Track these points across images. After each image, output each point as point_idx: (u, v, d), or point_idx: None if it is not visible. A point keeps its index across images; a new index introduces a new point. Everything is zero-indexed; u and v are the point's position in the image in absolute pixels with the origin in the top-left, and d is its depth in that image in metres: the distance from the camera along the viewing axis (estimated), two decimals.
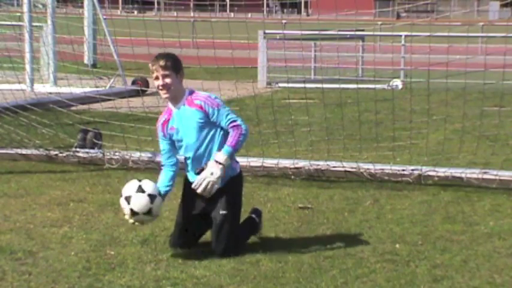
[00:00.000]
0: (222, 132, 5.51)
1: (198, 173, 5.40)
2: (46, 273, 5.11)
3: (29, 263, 5.31)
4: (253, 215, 5.93)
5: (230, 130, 5.46)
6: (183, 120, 5.49)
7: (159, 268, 5.22)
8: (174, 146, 5.59)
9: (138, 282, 4.97)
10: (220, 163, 5.36)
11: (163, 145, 5.61)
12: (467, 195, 7.31)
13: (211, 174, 5.34)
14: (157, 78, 5.45)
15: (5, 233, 5.97)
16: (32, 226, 6.16)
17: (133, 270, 5.18)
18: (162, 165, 5.64)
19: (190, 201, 5.61)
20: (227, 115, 5.48)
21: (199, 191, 5.39)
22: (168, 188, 5.56)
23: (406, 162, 8.28)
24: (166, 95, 5.48)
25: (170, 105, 5.58)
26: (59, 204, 6.83)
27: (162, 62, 5.42)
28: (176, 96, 5.50)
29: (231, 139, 5.43)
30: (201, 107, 5.45)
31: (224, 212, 5.51)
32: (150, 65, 5.48)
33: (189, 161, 5.56)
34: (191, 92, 5.56)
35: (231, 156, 5.44)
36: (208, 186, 5.36)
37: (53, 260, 5.37)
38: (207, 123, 5.47)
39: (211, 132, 5.49)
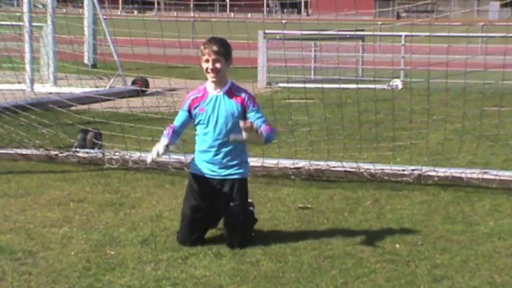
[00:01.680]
0: None
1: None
2: (46, 273, 5.11)
3: (29, 263, 5.31)
4: (251, 208, 6.07)
5: (264, 125, 5.58)
6: (218, 108, 5.61)
7: (159, 268, 5.22)
8: (187, 123, 5.74)
9: (138, 282, 4.98)
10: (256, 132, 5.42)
11: (182, 115, 5.71)
12: (467, 195, 7.31)
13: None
14: (207, 61, 5.56)
15: (5, 233, 5.97)
16: (32, 226, 6.16)
17: (133, 270, 5.18)
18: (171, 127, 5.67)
19: (197, 194, 5.72)
20: (262, 116, 5.67)
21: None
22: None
23: (406, 162, 8.29)
24: (214, 79, 5.60)
25: (208, 87, 5.68)
26: (59, 204, 6.83)
27: (215, 47, 5.54)
28: (221, 81, 5.63)
29: (266, 128, 5.57)
30: (242, 101, 5.62)
31: (236, 202, 5.67)
32: (202, 47, 5.59)
33: (207, 147, 5.65)
34: (233, 84, 5.70)
35: (264, 139, 5.55)
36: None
37: (53, 260, 5.37)
38: (241, 117, 5.59)
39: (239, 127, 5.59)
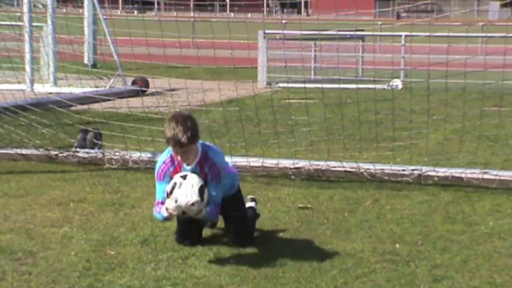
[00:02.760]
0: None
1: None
2: (46, 273, 5.11)
3: (29, 263, 5.31)
4: (252, 204, 6.16)
5: (212, 204, 5.35)
6: None
7: (159, 268, 5.22)
8: None
9: (138, 282, 4.98)
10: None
11: (163, 187, 5.41)
12: (467, 195, 7.31)
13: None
14: (176, 153, 5.29)
15: (5, 233, 5.97)
16: (32, 226, 6.16)
17: (133, 270, 5.18)
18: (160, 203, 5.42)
19: None
20: (217, 193, 5.37)
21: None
22: None
23: (406, 162, 8.28)
24: (186, 163, 5.36)
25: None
26: (59, 204, 6.83)
27: (184, 140, 5.15)
28: (193, 158, 5.38)
29: (211, 210, 5.35)
30: (206, 176, 5.36)
31: (235, 213, 5.67)
32: (167, 136, 5.21)
33: None
34: (203, 152, 5.39)
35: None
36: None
37: (53, 260, 5.37)
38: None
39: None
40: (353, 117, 10.38)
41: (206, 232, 5.97)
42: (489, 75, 10.36)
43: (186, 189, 5.19)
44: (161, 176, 5.46)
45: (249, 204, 6.19)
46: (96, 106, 11.36)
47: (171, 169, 5.43)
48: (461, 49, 15.44)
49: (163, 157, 5.49)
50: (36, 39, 15.39)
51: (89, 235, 5.93)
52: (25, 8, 14.38)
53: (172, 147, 5.29)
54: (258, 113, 9.70)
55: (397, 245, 5.76)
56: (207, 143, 5.61)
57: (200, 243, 5.67)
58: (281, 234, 6.06)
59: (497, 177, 7.56)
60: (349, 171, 7.94)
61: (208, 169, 5.36)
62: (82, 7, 19.39)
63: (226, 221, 5.78)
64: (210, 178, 5.36)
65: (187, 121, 5.22)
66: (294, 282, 5.01)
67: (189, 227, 5.67)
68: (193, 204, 5.10)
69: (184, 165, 5.41)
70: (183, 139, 5.16)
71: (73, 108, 11.40)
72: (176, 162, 5.42)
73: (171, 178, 5.36)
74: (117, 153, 8.52)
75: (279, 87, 16.30)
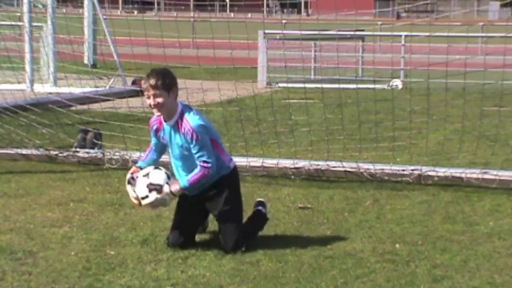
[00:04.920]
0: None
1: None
2: (46, 273, 5.11)
3: (29, 263, 5.31)
4: (260, 207, 6.08)
5: (198, 166, 5.43)
6: (172, 137, 5.54)
7: (159, 268, 5.22)
8: (161, 143, 5.68)
9: (138, 282, 4.98)
10: (173, 194, 5.34)
11: (153, 140, 5.72)
12: (467, 195, 7.31)
13: (164, 200, 5.21)
14: (148, 97, 5.42)
15: (5, 233, 5.97)
16: (32, 226, 6.17)
17: (133, 270, 5.18)
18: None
19: (187, 199, 5.68)
20: (201, 152, 5.42)
21: (144, 202, 5.40)
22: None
23: (406, 162, 8.28)
24: (159, 113, 5.48)
25: (162, 117, 5.56)
26: (59, 204, 6.83)
27: (152, 81, 5.36)
28: (169, 113, 5.49)
29: (193, 175, 5.41)
30: (184, 135, 5.46)
31: (226, 207, 5.61)
32: (142, 82, 5.49)
33: (177, 165, 5.65)
34: (182, 113, 5.49)
35: (185, 190, 5.36)
36: (153, 205, 5.29)
37: (53, 260, 5.37)
38: (189, 148, 5.49)
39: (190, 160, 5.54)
40: (353, 117, 10.38)
41: (206, 233, 5.97)
42: (489, 75, 10.35)
43: (139, 185, 5.39)
44: (150, 131, 5.69)
45: (257, 208, 6.12)
46: (96, 106, 11.36)
47: (155, 127, 5.62)
48: (461, 49, 15.45)
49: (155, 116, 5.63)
50: (36, 39, 15.39)
51: (89, 235, 5.93)
52: (25, 8, 14.38)
53: (146, 91, 5.42)
54: (258, 113, 9.70)
55: (397, 245, 5.76)
56: (190, 107, 5.62)
57: (194, 245, 5.64)
58: (281, 234, 6.06)
59: (497, 177, 7.56)
60: (349, 171, 7.95)
61: (187, 129, 5.42)
62: (82, 7, 19.38)
63: (217, 220, 5.71)
64: (189, 139, 5.43)
65: (163, 71, 5.51)
66: (294, 282, 5.01)
67: (183, 229, 5.64)
68: (143, 198, 5.27)
69: (165, 124, 5.52)
70: (153, 81, 5.35)
71: (73, 108, 11.40)
72: (159, 124, 5.58)
73: (155, 135, 5.64)
74: (117, 153, 8.52)
75: (279, 87, 16.28)
